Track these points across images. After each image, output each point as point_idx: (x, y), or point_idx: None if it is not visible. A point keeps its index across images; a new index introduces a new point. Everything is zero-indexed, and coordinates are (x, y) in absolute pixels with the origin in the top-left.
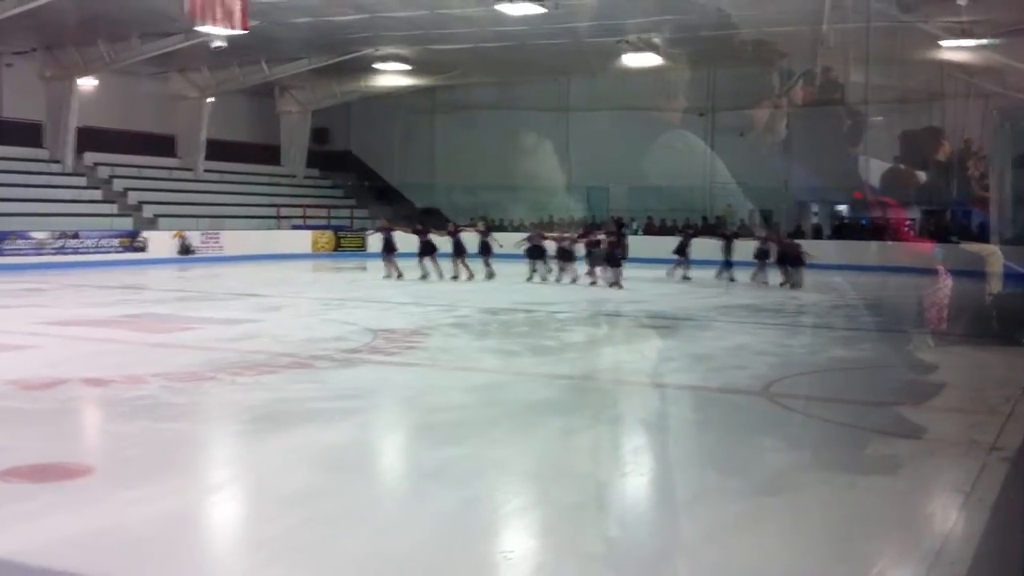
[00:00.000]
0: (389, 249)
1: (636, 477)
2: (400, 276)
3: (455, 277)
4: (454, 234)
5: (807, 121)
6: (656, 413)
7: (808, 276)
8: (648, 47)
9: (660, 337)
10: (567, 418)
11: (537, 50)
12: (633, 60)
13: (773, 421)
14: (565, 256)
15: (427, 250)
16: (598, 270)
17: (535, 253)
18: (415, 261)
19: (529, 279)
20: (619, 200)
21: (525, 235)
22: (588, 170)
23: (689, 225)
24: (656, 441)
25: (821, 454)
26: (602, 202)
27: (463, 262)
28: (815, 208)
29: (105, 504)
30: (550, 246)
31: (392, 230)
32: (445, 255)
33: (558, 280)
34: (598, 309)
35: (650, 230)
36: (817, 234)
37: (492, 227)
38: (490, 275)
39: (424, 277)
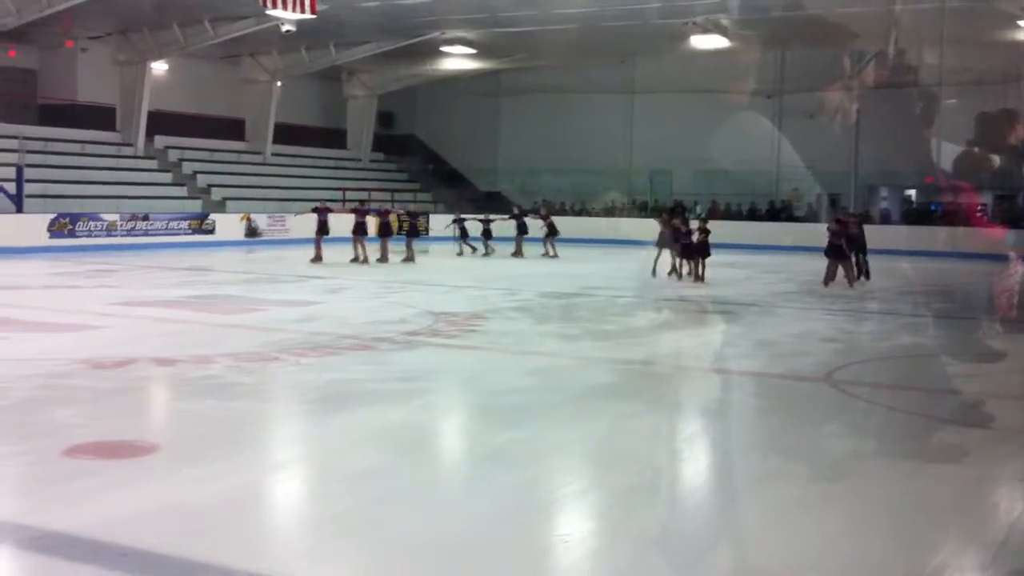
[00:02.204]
0: (323, 231)
1: (695, 462)
2: (365, 260)
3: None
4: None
5: (878, 103)
6: (717, 399)
7: (876, 261)
8: (716, 29)
9: (723, 323)
10: (627, 403)
11: (603, 32)
12: (700, 42)
13: (836, 408)
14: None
15: (360, 231)
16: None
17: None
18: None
19: (459, 253)
20: (683, 184)
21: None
22: (652, 153)
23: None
24: (716, 426)
25: (885, 441)
26: (665, 186)
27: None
28: (884, 192)
29: (171, 481)
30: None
31: (329, 211)
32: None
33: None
34: (660, 295)
35: (714, 214)
36: (886, 219)
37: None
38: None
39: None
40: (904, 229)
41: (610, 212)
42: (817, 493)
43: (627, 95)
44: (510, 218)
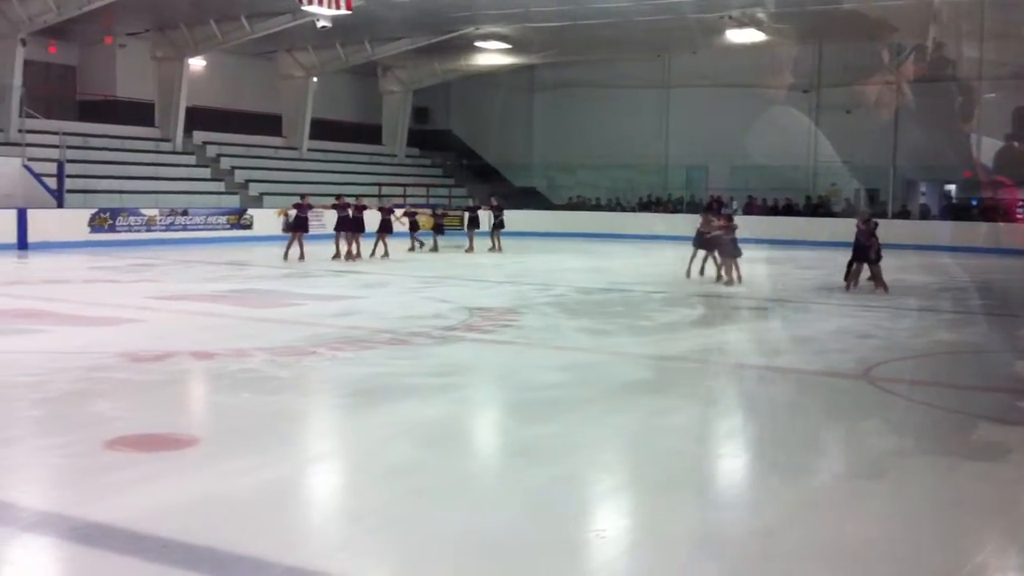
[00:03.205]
0: (301, 227)
1: (731, 459)
2: (349, 256)
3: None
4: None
5: (917, 97)
6: (753, 395)
7: (914, 257)
8: (752, 22)
9: (758, 319)
10: (661, 398)
11: (638, 27)
12: (736, 36)
13: (874, 405)
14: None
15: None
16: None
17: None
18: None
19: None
20: (718, 179)
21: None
22: (687, 148)
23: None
24: (752, 423)
25: (924, 439)
26: (700, 181)
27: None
28: (923, 188)
29: (210, 474)
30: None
31: (310, 207)
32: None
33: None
34: (695, 290)
35: (751, 210)
36: (925, 214)
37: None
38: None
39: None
40: (943, 224)
41: (645, 207)
42: (855, 491)
43: (662, 90)
44: (464, 211)
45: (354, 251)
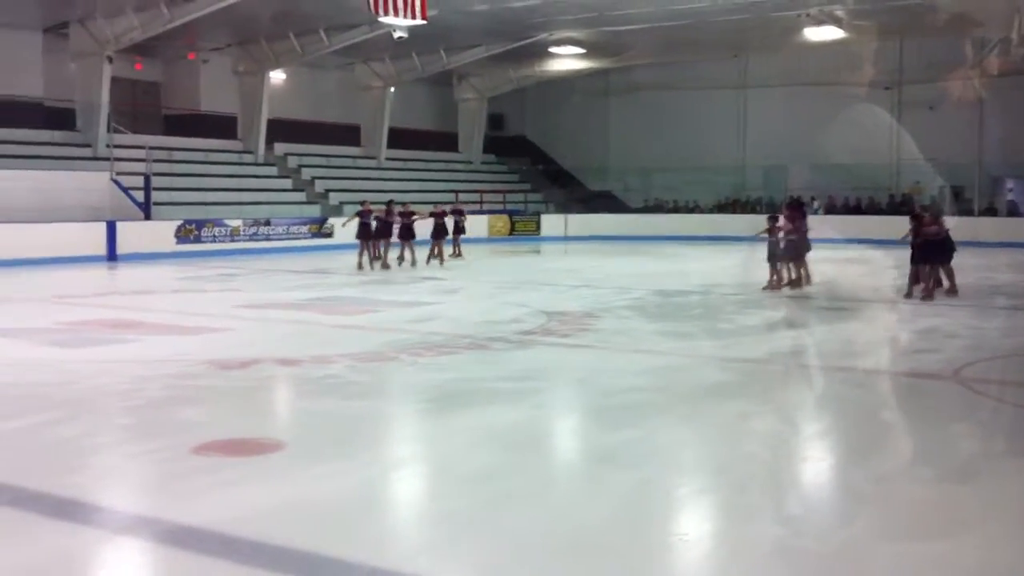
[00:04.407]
0: (364, 234)
1: (815, 463)
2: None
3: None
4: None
5: (1003, 92)
6: (837, 397)
7: (1002, 255)
8: (831, 20)
9: (842, 320)
10: (743, 402)
11: (714, 27)
12: (814, 34)
13: (964, 407)
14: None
15: (440, 234)
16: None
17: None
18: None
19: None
20: (798, 179)
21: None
22: (766, 149)
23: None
24: (837, 426)
25: (1015, 442)
26: (780, 181)
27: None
28: (1010, 184)
29: (294, 478)
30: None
31: (371, 213)
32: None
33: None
34: (776, 292)
35: (832, 209)
36: (1013, 211)
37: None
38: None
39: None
40: None
41: (723, 209)
42: (944, 495)
43: (739, 90)
44: (429, 216)
45: (407, 256)
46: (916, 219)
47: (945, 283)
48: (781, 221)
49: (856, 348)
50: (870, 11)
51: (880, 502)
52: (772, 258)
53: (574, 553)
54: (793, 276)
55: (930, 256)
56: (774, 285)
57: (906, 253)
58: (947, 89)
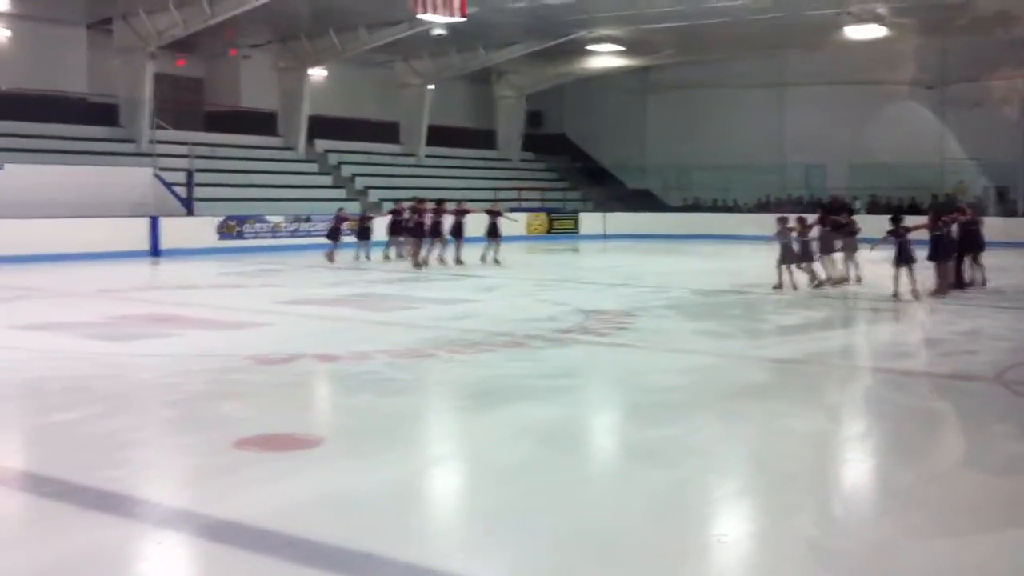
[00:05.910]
0: (396, 231)
1: (855, 464)
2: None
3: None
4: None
5: None
6: (878, 399)
7: None
8: (872, 18)
9: (883, 320)
10: (782, 402)
11: (753, 26)
12: (855, 32)
13: (1008, 409)
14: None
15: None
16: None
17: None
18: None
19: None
20: (838, 178)
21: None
22: (805, 147)
23: None
24: (878, 427)
25: None
26: (819, 180)
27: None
28: None
29: (333, 472)
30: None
31: (402, 212)
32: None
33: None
34: (815, 292)
35: (874, 209)
36: None
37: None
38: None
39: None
40: None
41: (762, 208)
42: (987, 497)
43: (778, 88)
44: (388, 213)
45: (422, 256)
46: (940, 213)
47: (978, 277)
48: (791, 222)
49: (897, 349)
50: (913, 8)
51: (923, 504)
52: (783, 260)
53: (611, 551)
54: (825, 276)
55: (968, 247)
56: (782, 285)
57: None
58: (992, 88)
